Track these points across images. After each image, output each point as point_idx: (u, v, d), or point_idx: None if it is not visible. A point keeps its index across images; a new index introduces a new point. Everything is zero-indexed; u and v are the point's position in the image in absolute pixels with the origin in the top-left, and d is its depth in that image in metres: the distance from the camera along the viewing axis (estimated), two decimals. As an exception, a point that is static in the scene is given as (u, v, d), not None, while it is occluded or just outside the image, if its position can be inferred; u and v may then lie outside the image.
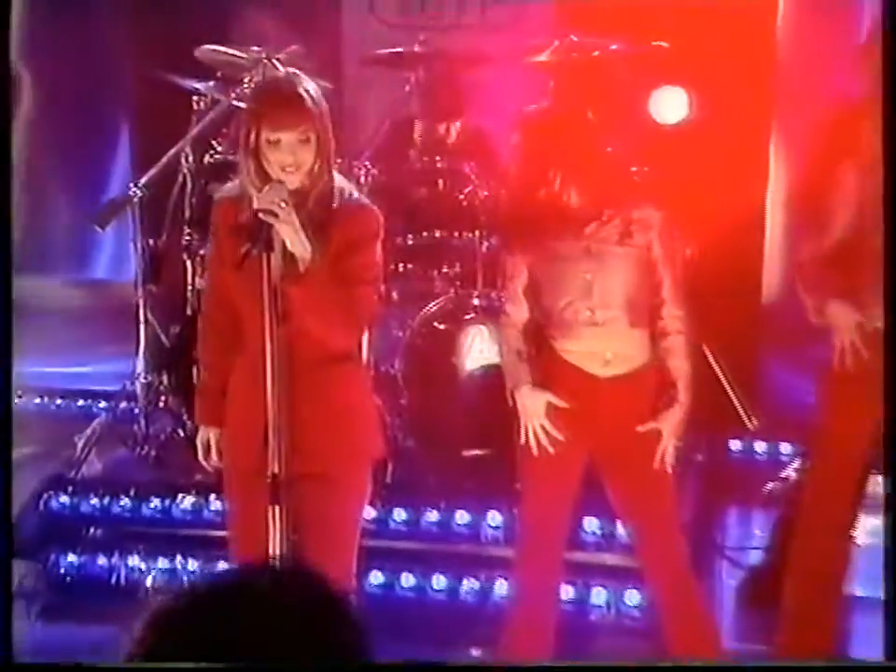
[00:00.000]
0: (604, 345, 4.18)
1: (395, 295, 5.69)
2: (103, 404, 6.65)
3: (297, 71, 4.97)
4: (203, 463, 4.04)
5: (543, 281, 4.21)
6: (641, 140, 6.29)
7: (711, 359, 6.48)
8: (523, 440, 4.22)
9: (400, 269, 5.68)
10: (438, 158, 5.64)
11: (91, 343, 7.23)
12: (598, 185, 4.16)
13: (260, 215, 3.59)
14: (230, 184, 4.05)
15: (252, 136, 3.73)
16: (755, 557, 5.38)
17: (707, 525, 5.68)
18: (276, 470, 3.65)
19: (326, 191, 3.76)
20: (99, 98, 7.48)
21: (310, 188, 3.73)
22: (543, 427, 4.18)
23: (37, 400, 7.07)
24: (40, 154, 7.86)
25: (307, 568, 2.02)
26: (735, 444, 6.31)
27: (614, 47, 5.81)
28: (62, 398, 7.06)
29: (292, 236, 3.60)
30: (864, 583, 5.30)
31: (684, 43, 6.65)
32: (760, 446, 6.27)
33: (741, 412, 6.44)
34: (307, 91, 3.78)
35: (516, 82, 6.26)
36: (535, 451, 4.20)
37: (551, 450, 4.19)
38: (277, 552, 3.67)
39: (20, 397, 7.04)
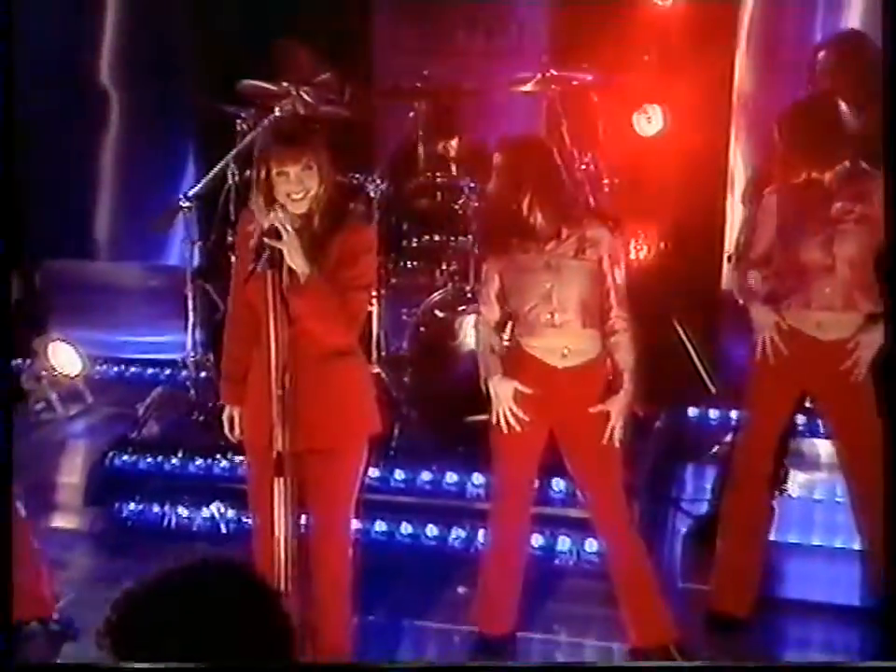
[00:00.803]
0: (562, 342, 4.18)
1: (403, 287, 5.71)
2: (168, 372, 6.73)
3: (302, 107, 5.00)
4: (228, 436, 4.05)
5: (511, 288, 4.22)
6: (616, 154, 6.27)
7: (682, 334, 6.49)
8: (494, 420, 4.25)
9: (408, 266, 5.69)
10: (438, 174, 5.64)
11: (162, 318, 7.23)
12: (558, 208, 4.15)
13: (265, 238, 3.63)
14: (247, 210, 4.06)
15: (262, 172, 3.73)
16: (703, 508, 5.35)
17: (665, 481, 5.68)
18: (280, 449, 3.67)
19: (329, 213, 3.76)
20: (172, 115, 7.47)
21: (316, 209, 3.73)
22: (511, 410, 4.20)
23: (115, 368, 7.13)
24: (125, 162, 7.90)
25: (245, 567, 2.04)
26: (692, 411, 6.28)
27: (589, 77, 5.77)
28: (136, 365, 7.12)
29: (293, 255, 3.61)
30: (797, 531, 5.33)
31: (657, 69, 6.66)
32: (713, 413, 6.24)
33: (706, 377, 6.43)
34: (309, 127, 3.79)
35: (508, 106, 6.26)
36: (504, 429, 4.22)
37: (518, 428, 4.21)
38: (282, 513, 3.71)
39: (101, 364, 7.16)
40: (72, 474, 5.98)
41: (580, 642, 4.62)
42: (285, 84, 5.59)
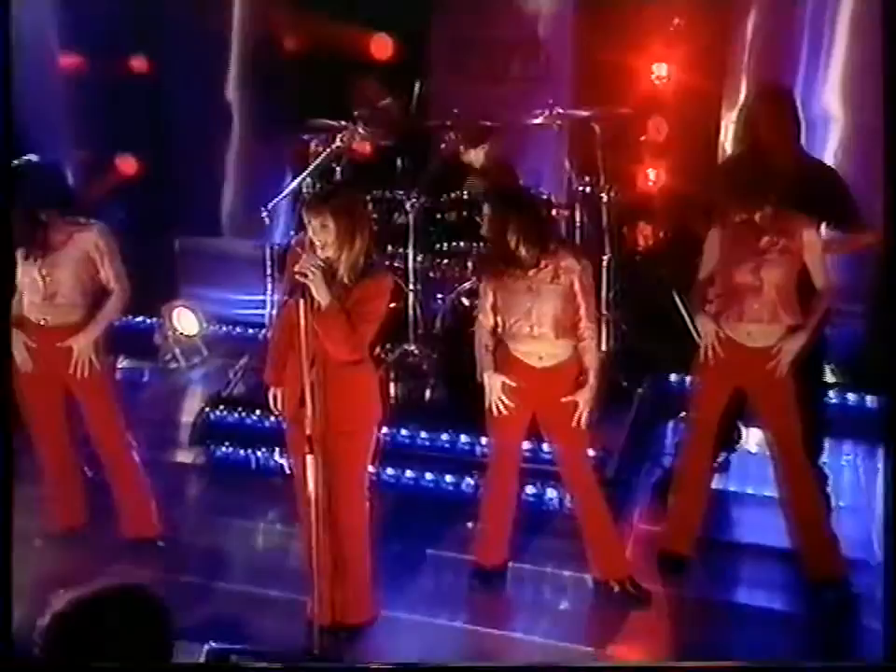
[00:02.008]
0: (539, 349, 4.27)
1: (437, 280, 5.75)
2: (262, 332, 6.84)
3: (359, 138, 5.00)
4: (273, 409, 4.14)
5: (501, 304, 4.29)
6: (618, 170, 6.19)
7: (680, 304, 6.41)
8: (486, 406, 4.34)
9: (442, 264, 5.72)
10: (464, 192, 5.65)
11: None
12: (538, 244, 4.20)
13: (297, 276, 3.74)
14: (299, 235, 4.14)
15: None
16: (670, 462, 5.32)
17: (643, 439, 5.66)
18: (309, 432, 3.79)
19: (351, 262, 3.82)
20: (279, 124, 7.47)
21: (336, 257, 3.81)
22: (500, 399, 4.30)
23: (225, 328, 7.22)
24: (243, 161, 8.00)
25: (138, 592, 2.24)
26: (672, 377, 6.22)
27: (588, 114, 5.71)
28: (240, 326, 7.20)
29: (317, 290, 3.71)
30: (754, 484, 5.30)
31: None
32: (689, 379, 6.17)
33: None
34: (336, 195, 3.85)
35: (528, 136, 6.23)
36: (495, 413, 4.33)
37: (506, 413, 4.31)
38: (312, 480, 3.82)
39: (215, 325, 7.31)
40: (190, 414, 6.16)
41: (559, 573, 4.68)
42: (343, 122, 5.64)
